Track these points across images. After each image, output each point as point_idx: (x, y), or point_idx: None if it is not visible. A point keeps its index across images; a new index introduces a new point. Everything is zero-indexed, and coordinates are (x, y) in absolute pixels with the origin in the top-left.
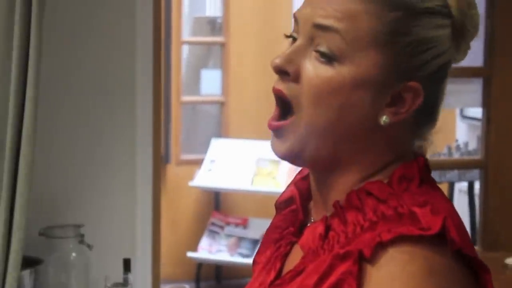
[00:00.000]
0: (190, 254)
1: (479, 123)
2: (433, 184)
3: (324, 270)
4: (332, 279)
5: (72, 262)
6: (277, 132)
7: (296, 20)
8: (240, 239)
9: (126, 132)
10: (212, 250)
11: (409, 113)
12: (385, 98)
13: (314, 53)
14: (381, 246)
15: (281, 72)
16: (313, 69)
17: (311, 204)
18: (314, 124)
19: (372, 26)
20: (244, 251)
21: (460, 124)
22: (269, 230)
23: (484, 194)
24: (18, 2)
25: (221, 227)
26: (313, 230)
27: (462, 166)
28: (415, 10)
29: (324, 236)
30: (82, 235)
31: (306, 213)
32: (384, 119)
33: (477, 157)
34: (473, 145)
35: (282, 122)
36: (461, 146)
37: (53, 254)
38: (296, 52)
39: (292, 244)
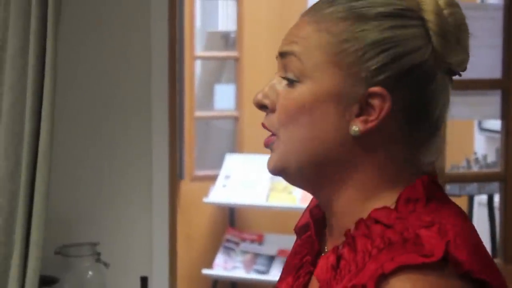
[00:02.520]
0: (205, 271)
1: (497, 135)
2: (443, 200)
3: None
4: None
5: (88, 281)
6: (269, 148)
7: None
8: (256, 255)
9: (142, 149)
10: (228, 266)
11: (380, 119)
12: (353, 109)
13: (283, 81)
14: (384, 278)
15: (261, 107)
16: (283, 94)
17: (327, 231)
18: (289, 141)
19: (322, 41)
20: (260, 267)
21: (478, 137)
22: (290, 255)
23: (504, 206)
24: (33, 22)
25: (237, 244)
26: (326, 261)
27: (481, 179)
28: (365, 16)
29: (336, 267)
30: (99, 254)
31: (324, 240)
32: (353, 128)
33: (496, 169)
34: (492, 157)
35: (268, 138)
36: (480, 158)
37: (70, 272)
38: (273, 86)
39: (311, 274)
